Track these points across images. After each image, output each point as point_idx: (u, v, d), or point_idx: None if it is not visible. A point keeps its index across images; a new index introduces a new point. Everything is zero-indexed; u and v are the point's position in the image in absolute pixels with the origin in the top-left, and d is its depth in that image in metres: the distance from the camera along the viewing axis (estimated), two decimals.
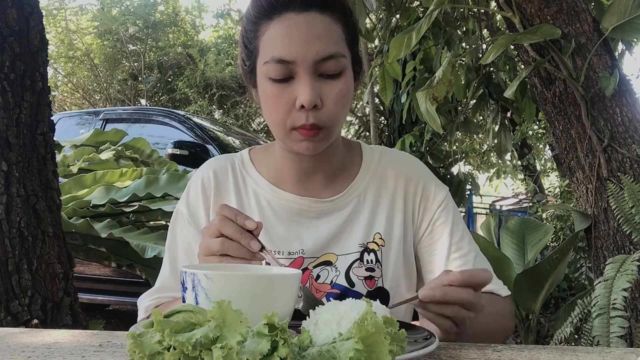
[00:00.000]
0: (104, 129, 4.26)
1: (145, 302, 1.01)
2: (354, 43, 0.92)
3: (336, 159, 1.00)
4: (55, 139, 2.08)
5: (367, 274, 0.96)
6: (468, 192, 4.87)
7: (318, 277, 0.96)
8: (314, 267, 0.96)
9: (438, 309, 0.73)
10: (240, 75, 1.01)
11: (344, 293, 0.95)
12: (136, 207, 2.48)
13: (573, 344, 1.91)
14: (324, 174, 0.99)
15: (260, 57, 0.88)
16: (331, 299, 0.95)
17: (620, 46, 2.88)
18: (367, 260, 0.96)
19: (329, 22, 0.86)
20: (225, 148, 4.36)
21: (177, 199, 1.94)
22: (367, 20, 3.24)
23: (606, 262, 1.52)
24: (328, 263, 0.96)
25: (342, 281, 0.96)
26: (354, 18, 0.93)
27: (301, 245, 0.96)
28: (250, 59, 0.91)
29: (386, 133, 8.58)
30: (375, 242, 0.98)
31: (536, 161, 7.42)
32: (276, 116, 0.88)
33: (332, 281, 0.96)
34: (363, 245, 0.97)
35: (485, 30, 4.02)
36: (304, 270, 0.96)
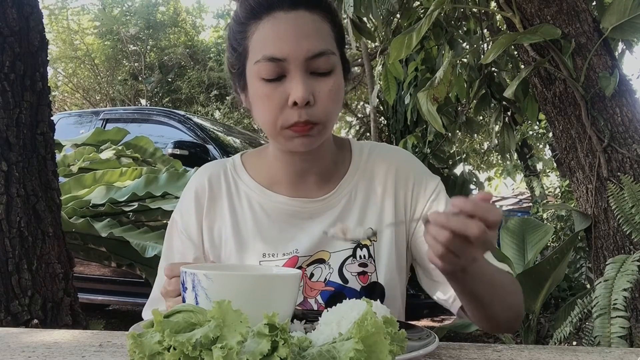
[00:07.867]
0: (104, 129, 4.25)
1: (148, 314, 1.01)
2: (342, 43, 0.93)
3: (328, 158, 1.00)
4: (55, 138, 2.09)
5: (360, 269, 0.97)
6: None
7: (312, 275, 0.97)
8: (308, 265, 0.97)
9: (436, 231, 0.69)
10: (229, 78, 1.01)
11: (339, 290, 0.96)
12: (136, 206, 2.48)
13: (574, 343, 1.91)
14: (317, 174, 0.99)
15: (250, 57, 0.88)
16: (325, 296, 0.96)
17: (620, 46, 2.88)
18: (360, 256, 0.97)
19: (317, 21, 0.87)
20: (225, 148, 4.36)
21: (177, 197, 1.93)
22: (366, 20, 3.24)
23: (606, 262, 1.52)
24: (321, 261, 0.97)
25: (335, 278, 0.96)
26: (340, 19, 0.94)
27: (295, 246, 0.97)
28: (239, 61, 0.91)
29: (386, 133, 8.57)
30: (368, 238, 0.98)
31: (537, 161, 7.41)
32: (268, 116, 0.88)
33: (325, 279, 0.96)
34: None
35: (486, 30, 4.02)
36: (298, 268, 0.96)
